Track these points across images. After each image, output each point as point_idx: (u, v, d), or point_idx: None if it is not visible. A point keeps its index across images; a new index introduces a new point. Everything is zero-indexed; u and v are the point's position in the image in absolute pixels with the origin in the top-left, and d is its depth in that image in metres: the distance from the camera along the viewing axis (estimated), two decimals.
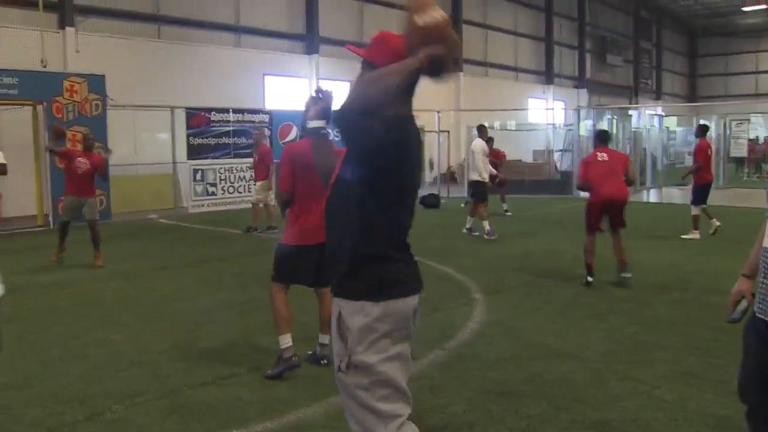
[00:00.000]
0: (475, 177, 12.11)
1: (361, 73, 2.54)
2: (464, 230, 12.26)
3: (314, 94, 2.90)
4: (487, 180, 12.02)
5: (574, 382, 4.65)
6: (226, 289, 7.85)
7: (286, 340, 4.69)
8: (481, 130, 12.79)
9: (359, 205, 2.45)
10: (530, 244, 10.99)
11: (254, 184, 13.61)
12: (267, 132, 16.67)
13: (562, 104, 34.61)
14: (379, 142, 2.38)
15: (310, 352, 5.08)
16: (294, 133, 18.09)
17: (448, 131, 22.62)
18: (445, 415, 4.08)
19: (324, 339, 4.95)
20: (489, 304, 6.93)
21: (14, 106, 14.20)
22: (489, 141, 13.23)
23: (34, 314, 6.86)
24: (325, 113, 2.83)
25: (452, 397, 4.24)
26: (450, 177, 22.50)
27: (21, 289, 8.16)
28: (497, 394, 4.41)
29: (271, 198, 12.50)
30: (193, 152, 16.24)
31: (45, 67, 14.84)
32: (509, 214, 14.95)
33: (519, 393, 4.42)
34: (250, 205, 13.59)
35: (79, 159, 9.40)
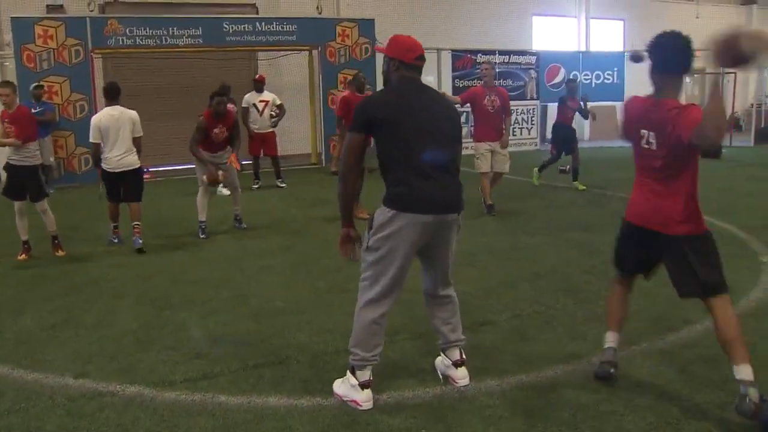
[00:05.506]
0: None
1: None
2: None
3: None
4: None
5: None
6: (491, 234, 7.77)
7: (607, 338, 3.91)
8: None
9: None
10: None
11: None
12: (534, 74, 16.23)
13: None
14: None
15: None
16: (561, 74, 17.37)
17: (734, 72, 20.17)
18: (723, 393, 3.59)
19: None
20: None
21: (293, 52, 15.26)
22: None
23: (308, 246, 7.42)
24: None
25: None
26: (734, 124, 20.18)
27: (296, 221, 8.84)
28: None
29: None
30: (458, 95, 16.19)
31: (320, 13, 15.67)
32: None
33: None
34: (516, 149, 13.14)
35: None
